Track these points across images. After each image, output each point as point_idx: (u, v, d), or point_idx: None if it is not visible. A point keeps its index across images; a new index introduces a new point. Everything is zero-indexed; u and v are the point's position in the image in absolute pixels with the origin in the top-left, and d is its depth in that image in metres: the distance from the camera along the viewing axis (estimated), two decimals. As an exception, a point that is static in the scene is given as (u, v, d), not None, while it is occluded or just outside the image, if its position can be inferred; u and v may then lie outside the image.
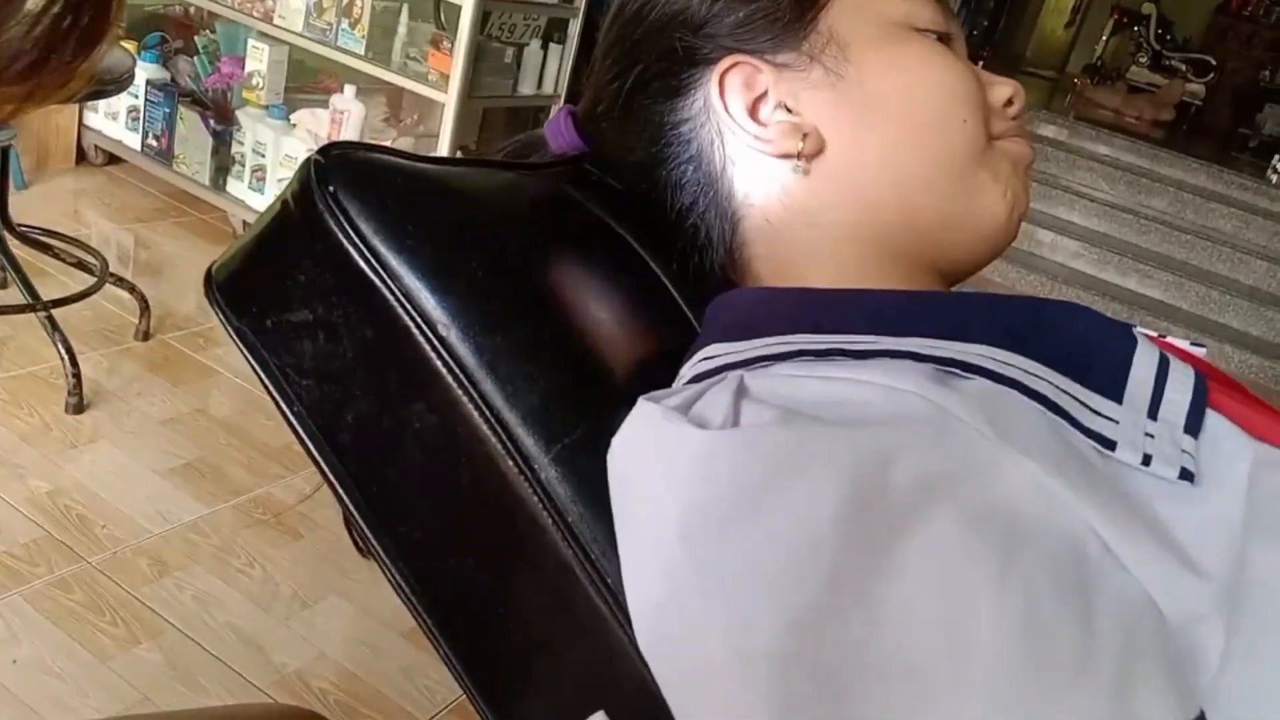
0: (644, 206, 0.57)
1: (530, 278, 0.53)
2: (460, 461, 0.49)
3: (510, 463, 0.47)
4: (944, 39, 0.55)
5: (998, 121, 0.55)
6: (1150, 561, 0.40)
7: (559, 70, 2.73)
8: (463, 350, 0.48)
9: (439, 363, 0.48)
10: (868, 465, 0.40)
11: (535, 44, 2.67)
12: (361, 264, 0.48)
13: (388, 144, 2.64)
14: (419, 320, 0.48)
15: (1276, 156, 5.04)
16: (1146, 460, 0.44)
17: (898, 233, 0.54)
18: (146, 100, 2.82)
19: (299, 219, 0.50)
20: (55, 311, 1.94)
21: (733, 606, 0.39)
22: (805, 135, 0.52)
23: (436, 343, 0.48)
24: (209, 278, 0.54)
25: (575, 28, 2.72)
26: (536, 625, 0.50)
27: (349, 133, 2.60)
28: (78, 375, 1.90)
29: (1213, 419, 0.47)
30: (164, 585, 1.57)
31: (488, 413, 0.48)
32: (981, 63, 0.58)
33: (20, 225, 2.08)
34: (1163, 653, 0.38)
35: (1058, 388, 0.46)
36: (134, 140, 2.89)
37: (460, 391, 0.48)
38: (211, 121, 2.74)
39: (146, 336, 2.19)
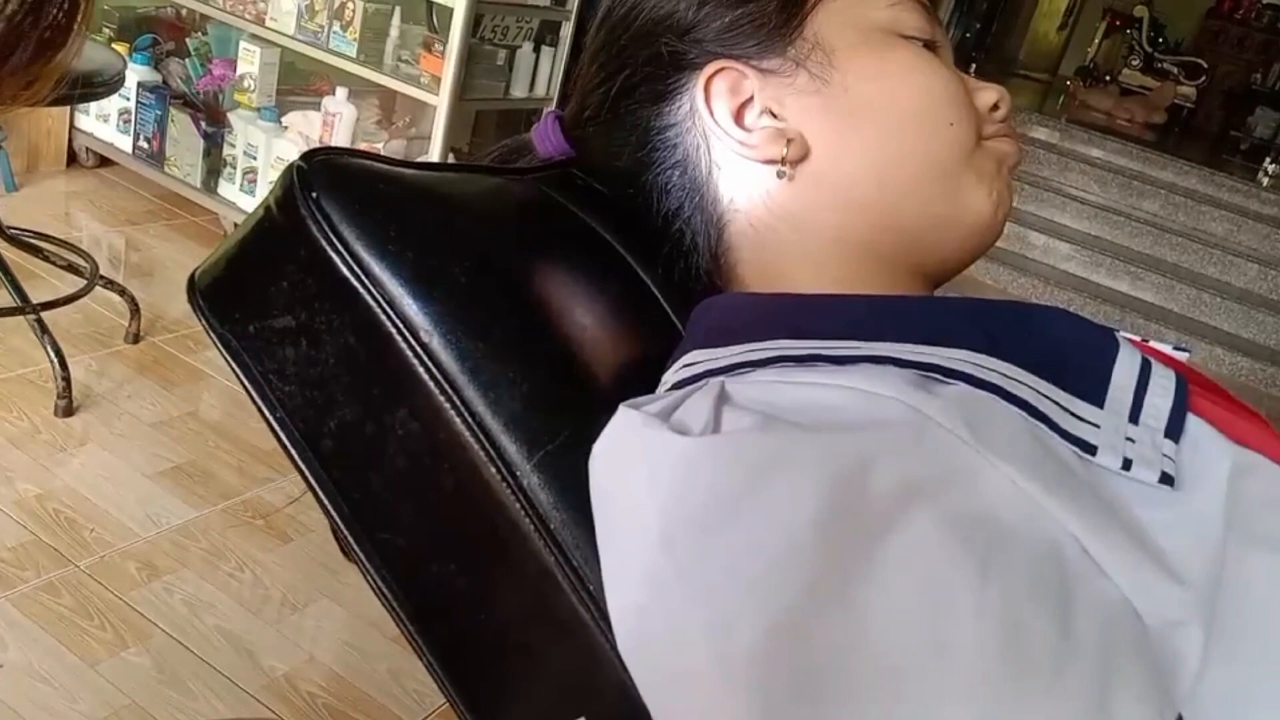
0: (630, 211, 0.57)
1: (514, 283, 0.53)
2: (443, 468, 0.49)
3: (492, 469, 0.47)
4: (930, 46, 0.55)
5: (985, 126, 0.56)
6: (1129, 566, 0.40)
7: (551, 73, 2.73)
8: (445, 356, 0.48)
9: (421, 369, 0.48)
10: (847, 470, 0.40)
11: (527, 47, 2.67)
12: (344, 270, 0.48)
13: (380, 146, 2.64)
14: (401, 326, 0.48)
15: (1267, 159, 5.07)
16: (1127, 464, 0.44)
17: (882, 236, 0.54)
18: (138, 102, 2.81)
19: (282, 225, 0.50)
20: (45, 314, 1.93)
21: (713, 611, 0.39)
22: (790, 141, 0.53)
23: (419, 349, 0.48)
24: (192, 283, 0.54)
25: (567, 30, 2.72)
26: (518, 631, 0.49)
27: (341, 135, 2.60)
28: (67, 378, 1.89)
29: (1194, 423, 0.47)
30: (153, 589, 1.57)
31: (470, 419, 0.48)
32: (974, 65, 0.58)
33: (10, 228, 2.08)
34: (1141, 656, 0.38)
35: (1039, 392, 0.46)
36: (125, 142, 2.88)
37: (442, 398, 0.48)
38: (203, 124, 2.74)
39: (136, 339, 2.19)
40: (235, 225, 2.76)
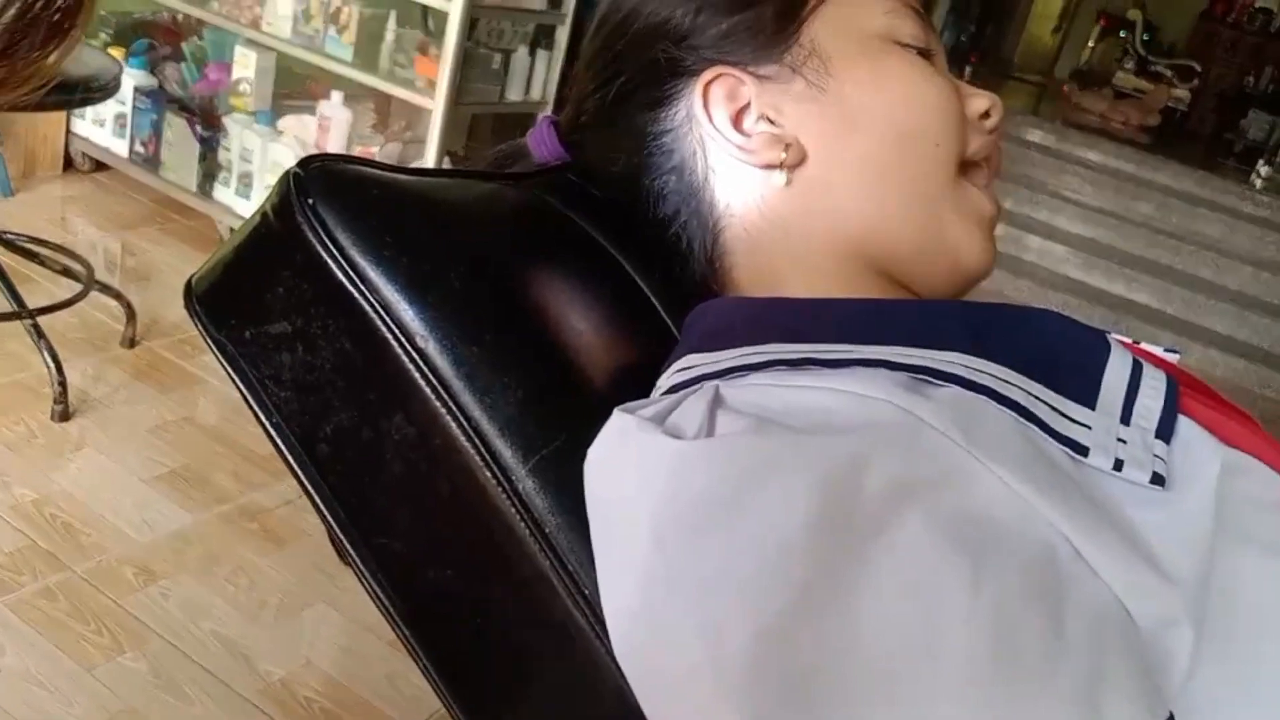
0: (626, 216, 0.58)
1: (509, 288, 0.53)
2: (439, 473, 0.49)
3: (488, 474, 0.48)
4: (925, 54, 0.55)
5: (975, 135, 0.56)
6: (1120, 567, 0.40)
7: (546, 77, 2.74)
8: (441, 362, 0.48)
9: (417, 374, 0.48)
10: (840, 472, 0.40)
11: (523, 50, 2.67)
12: (340, 276, 0.49)
13: (375, 150, 2.64)
14: (397, 332, 0.48)
15: (1260, 162, 5.08)
16: (1118, 465, 0.45)
17: (872, 246, 0.54)
18: (134, 107, 2.81)
19: (278, 231, 0.50)
20: (41, 319, 1.93)
21: (706, 614, 0.39)
22: (788, 146, 0.53)
23: (415, 354, 0.48)
24: (189, 289, 0.54)
25: (563, 34, 2.73)
26: (514, 636, 0.50)
27: (336, 139, 2.60)
28: (63, 383, 1.89)
29: (1184, 424, 0.47)
30: (149, 594, 1.56)
31: (466, 424, 0.48)
32: (969, 68, 0.59)
33: (6, 233, 2.08)
34: (1132, 656, 0.39)
35: (1030, 394, 0.46)
36: (121, 147, 2.88)
37: (438, 403, 0.48)
38: (199, 128, 2.74)
39: (133, 344, 2.19)
40: (231, 229, 2.76)
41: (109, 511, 1.71)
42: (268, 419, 0.51)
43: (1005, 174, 0.64)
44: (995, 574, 0.38)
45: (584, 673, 0.46)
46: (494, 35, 2.61)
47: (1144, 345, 0.56)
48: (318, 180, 0.50)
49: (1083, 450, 0.45)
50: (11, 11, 0.22)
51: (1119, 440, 0.45)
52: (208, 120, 2.75)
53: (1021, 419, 0.45)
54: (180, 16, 2.94)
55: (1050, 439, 0.45)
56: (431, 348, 0.48)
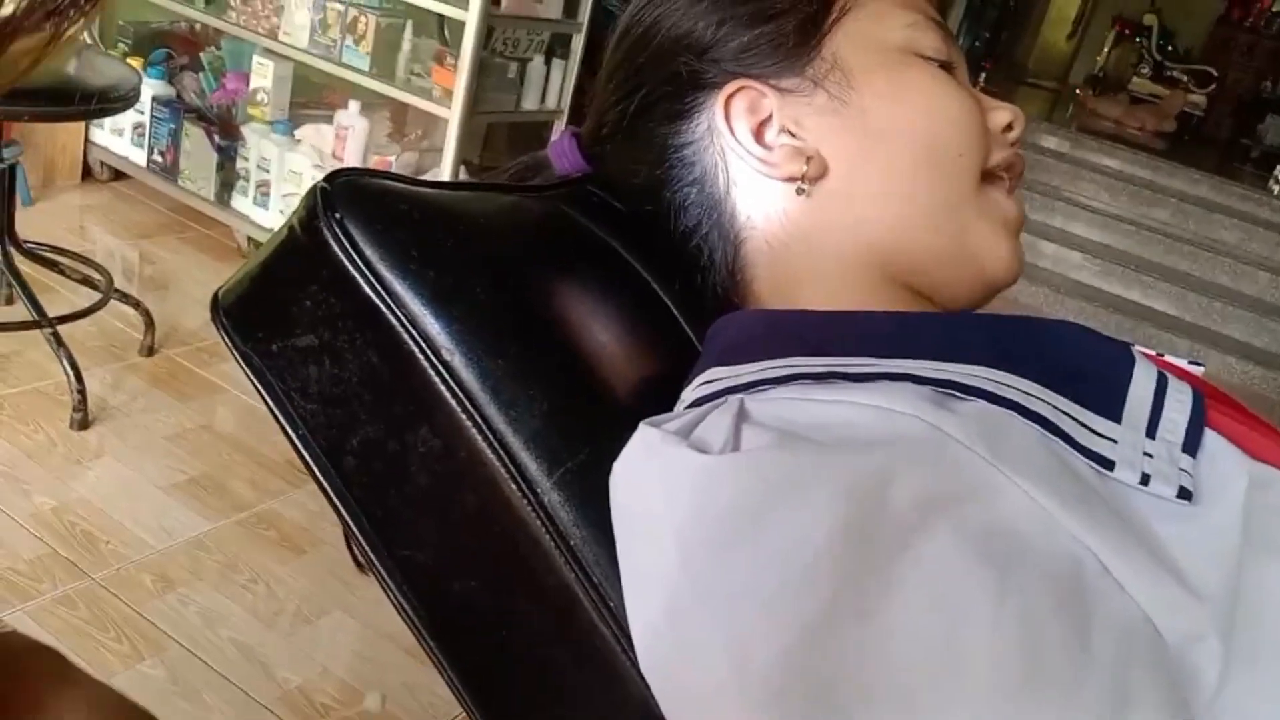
0: (647, 228, 0.58)
1: (533, 301, 0.53)
2: (464, 485, 0.49)
3: (513, 486, 0.48)
4: (946, 67, 0.55)
5: (997, 148, 0.56)
6: (1147, 582, 0.40)
7: (562, 85, 2.75)
8: (466, 375, 0.48)
9: (443, 387, 0.49)
10: (865, 486, 0.40)
11: (539, 59, 2.68)
12: (366, 289, 0.49)
13: (392, 159, 2.65)
14: (423, 345, 0.49)
15: (1278, 167, 5.04)
16: (1145, 480, 0.44)
17: (895, 259, 0.54)
18: (152, 116, 2.83)
19: (305, 245, 0.51)
20: (61, 328, 1.94)
21: (732, 628, 0.39)
22: (809, 159, 0.53)
23: (440, 367, 0.49)
24: (215, 302, 0.54)
25: (578, 43, 2.74)
26: (540, 649, 0.50)
27: (353, 148, 2.61)
28: (83, 391, 1.90)
29: (1210, 438, 0.47)
30: (168, 601, 1.57)
31: (491, 437, 0.48)
32: (984, 74, 0.59)
33: (26, 242, 2.09)
34: (1159, 672, 0.39)
35: (1056, 408, 0.46)
36: (139, 156, 2.90)
37: (464, 416, 0.48)
38: (216, 137, 2.75)
39: (151, 352, 2.20)
40: (249, 238, 2.78)
41: (128, 519, 1.72)
42: (294, 431, 0.51)
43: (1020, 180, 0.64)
44: (1021, 586, 0.38)
45: (609, 686, 0.47)
46: (510, 44, 2.62)
47: (1168, 358, 0.55)
48: (344, 194, 0.50)
49: (1109, 464, 0.45)
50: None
51: (1145, 454, 0.45)
52: (225, 129, 2.77)
53: (1047, 433, 0.45)
54: (198, 27, 2.96)
55: (1076, 453, 0.45)
56: (457, 361, 0.49)
